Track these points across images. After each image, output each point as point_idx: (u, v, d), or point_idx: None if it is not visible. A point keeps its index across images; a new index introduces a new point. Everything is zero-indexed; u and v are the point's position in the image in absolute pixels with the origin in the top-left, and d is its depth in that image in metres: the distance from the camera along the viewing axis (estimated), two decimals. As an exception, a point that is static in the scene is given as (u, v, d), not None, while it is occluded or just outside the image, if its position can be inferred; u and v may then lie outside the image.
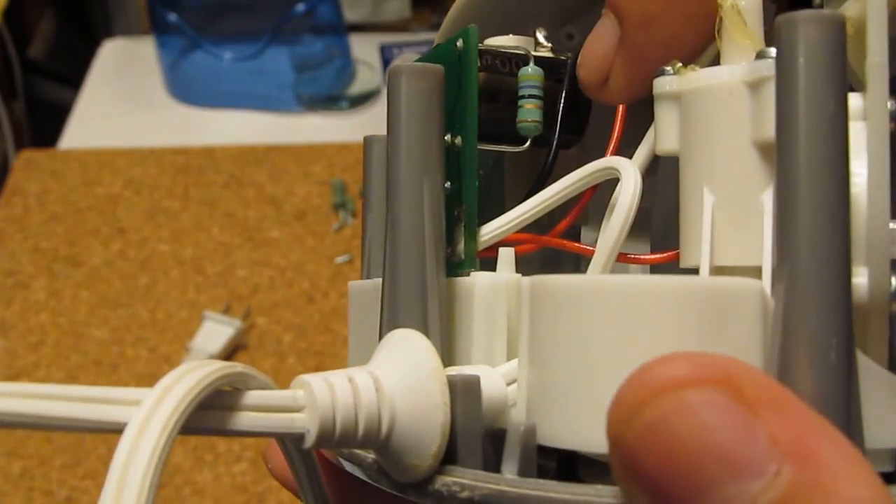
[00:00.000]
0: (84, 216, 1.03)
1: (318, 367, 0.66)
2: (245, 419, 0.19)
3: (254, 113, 1.17)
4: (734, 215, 0.22)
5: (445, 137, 0.24)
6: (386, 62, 1.20)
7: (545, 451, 0.21)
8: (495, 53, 0.26)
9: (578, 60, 0.26)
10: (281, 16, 1.17)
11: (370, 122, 1.15)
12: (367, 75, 1.20)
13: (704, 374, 0.17)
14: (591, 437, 0.20)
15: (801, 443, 0.16)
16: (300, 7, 1.16)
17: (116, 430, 0.17)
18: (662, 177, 0.27)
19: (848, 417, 0.19)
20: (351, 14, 1.25)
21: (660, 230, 0.28)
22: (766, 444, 0.16)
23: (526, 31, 0.27)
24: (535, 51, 0.27)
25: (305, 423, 0.19)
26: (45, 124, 1.30)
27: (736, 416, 0.16)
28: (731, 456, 0.16)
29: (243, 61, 1.18)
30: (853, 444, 0.17)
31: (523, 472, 0.21)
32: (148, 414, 0.17)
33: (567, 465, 0.23)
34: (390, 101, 0.23)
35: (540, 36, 0.27)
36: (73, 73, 1.32)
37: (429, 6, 1.35)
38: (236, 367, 0.19)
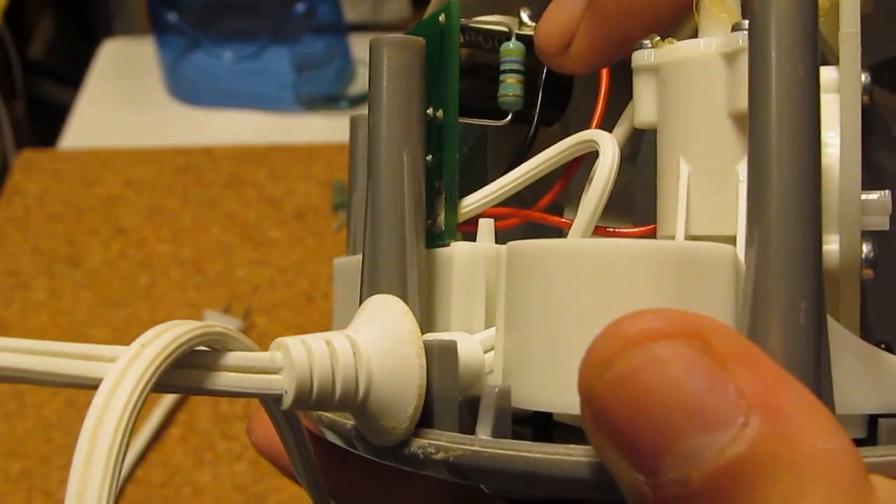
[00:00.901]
0: (84, 216, 1.03)
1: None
2: (222, 379, 0.19)
3: (254, 113, 1.17)
4: (710, 185, 0.23)
5: (427, 111, 0.24)
6: (386, 62, 1.20)
7: (521, 420, 0.22)
8: (478, 30, 0.26)
9: (538, 26, 0.26)
10: (281, 16, 1.17)
11: (370, 122, 1.14)
12: (367, 75, 1.20)
13: (674, 328, 0.17)
14: (563, 398, 0.20)
15: (768, 396, 0.16)
16: (300, 7, 1.16)
17: (93, 385, 0.18)
18: (643, 163, 0.27)
19: (817, 380, 0.19)
20: (351, 14, 1.25)
21: (643, 215, 0.28)
22: (733, 397, 0.16)
23: (511, 11, 0.28)
24: (520, 29, 0.27)
25: (283, 384, 0.20)
26: (45, 124, 1.30)
27: (704, 369, 0.17)
28: (699, 408, 0.16)
29: (243, 61, 1.18)
30: (820, 400, 0.17)
31: (497, 433, 0.21)
32: (123, 369, 0.17)
33: (542, 432, 0.23)
34: (372, 72, 0.24)
35: (524, 15, 0.27)
36: (73, 73, 1.32)
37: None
38: (215, 327, 0.19)
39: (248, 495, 0.78)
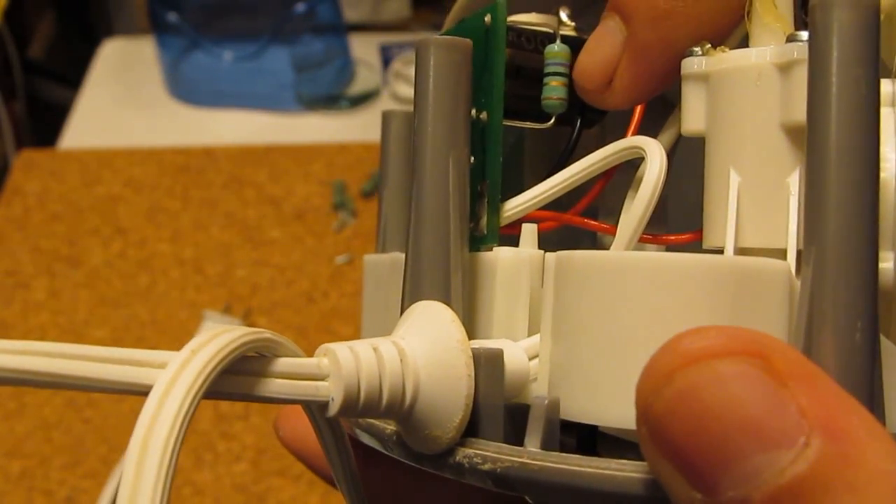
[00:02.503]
0: (84, 216, 1.02)
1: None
2: (270, 385, 0.19)
3: (254, 113, 1.17)
4: (760, 197, 0.22)
5: (471, 112, 0.24)
6: (386, 62, 1.21)
7: (565, 428, 0.21)
8: (521, 30, 0.26)
9: (576, 65, 0.25)
10: (281, 16, 1.17)
11: (370, 122, 1.15)
12: (367, 75, 1.20)
13: (736, 345, 0.17)
14: (615, 412, 0.20)
15: (829, 416, 0.16)
16: (300, 7, 1.16)
17: (142, 392, 0.17)
18: (678, 166, 0.27)
19: (871, 398, 0.19)
20: (351, 14, 1.25)
21: (677, 220, 0.28)
22: (795, 417, 0.16)
23: (549, 10, 0.27)
24: (559, 29, 0.27)
25: (330, 391, 0.20)
26: (45, 124, 1.30)
27: (766, 387, 0.17)
28: (761, 427, 0.16)
29: (243, 61, 1.18)
30: (879, 421, 0.17)
31: (546, 445, 0.21)
32: (173, 377, 0.17)
33: (587, 445, 0.23)
34: (418, 73, 0.23)
35: (563, 15, 0.27)
36: (73, 73, 1.32)
37: (429, 6, 1.35)
38: (263, 333, 0.19)
39: (248, 495, 0.78)
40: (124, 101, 1.21)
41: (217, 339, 0.18)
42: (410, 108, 0.25)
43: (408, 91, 1.16)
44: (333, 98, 1.18)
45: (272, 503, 0.77)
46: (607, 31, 0.24)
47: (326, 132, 1.13)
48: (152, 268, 0.97)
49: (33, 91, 1.41)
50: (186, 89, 1.20)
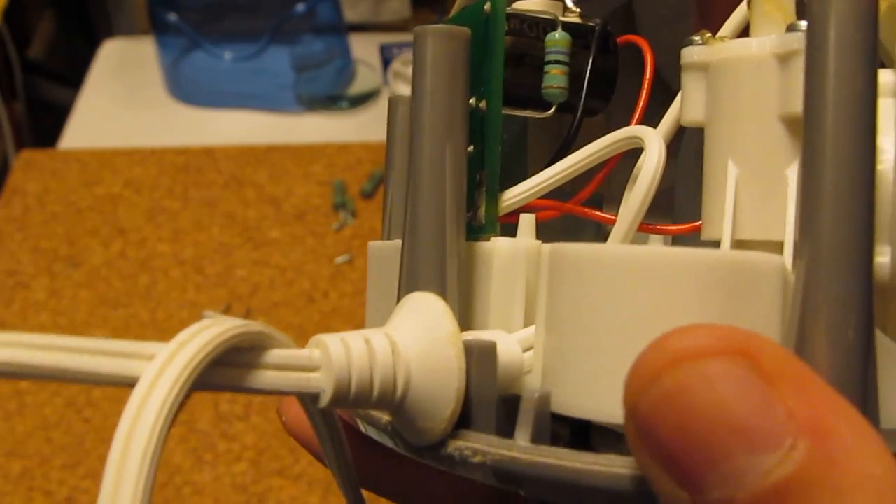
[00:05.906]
0: (84, 216, 1.02)
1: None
2: (260, 377, 0.19)
3: (254, 113, 1.17)
4: (758, 189, 0.22)
5: (470, 101, 0.24)
6: (386, 62, 1.21)
7: (559, 420, 0.21)
8: (523, 17, 0.26)
9: None
10: (281, 16, 1.17)
11: (370, 122, 1.15)
12: (367, 75, 1.20)
13: (724, 345, 0.17)
14: (606, 407, 0.19)
15: (817, 419, 0.16)
16: (300, 7, 1.16)
17: (129, 383, 0.17)
18: (684, 158, 0.27)
19: (864, 396, 0.18)
20: (351, 14, 1.25)
21: (683, 210, 0.27)
22: (782, 418, 0.16)
23: None
24: (564, 16, 0.26)
25: (321, 382, 0.19)
26: (45, 124, 1.30)
27: (753, 388, 0.16)
28: (747, 428, 0.16)
29: (243, 61, 1.18)
30: (869, 422, 0.17)
31: (536, 439, 0.20)
32: (161, 368, 0.17)
33: (580, 435, 0.23)
34: (415, 62, 0.23)
35: (569, 1, 0.27)
36: (73, 73, 1.32)
37: (429, 6, 1.35)
38: (253, 325, 0.19)
39: (248, 495, 0.78)
40: (124, 101, 1.21)
41: (205, 331, 0.18)
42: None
43: (408, 91, 1.16)
44: (333, 98, 1.18)
45: (272, 503, 0.77)
46: None
47: (326, 132, 1.13)
48: (152, 268, 0.97)
49: (33, 91, 1.41)
50: (186, 89, 1.20)
